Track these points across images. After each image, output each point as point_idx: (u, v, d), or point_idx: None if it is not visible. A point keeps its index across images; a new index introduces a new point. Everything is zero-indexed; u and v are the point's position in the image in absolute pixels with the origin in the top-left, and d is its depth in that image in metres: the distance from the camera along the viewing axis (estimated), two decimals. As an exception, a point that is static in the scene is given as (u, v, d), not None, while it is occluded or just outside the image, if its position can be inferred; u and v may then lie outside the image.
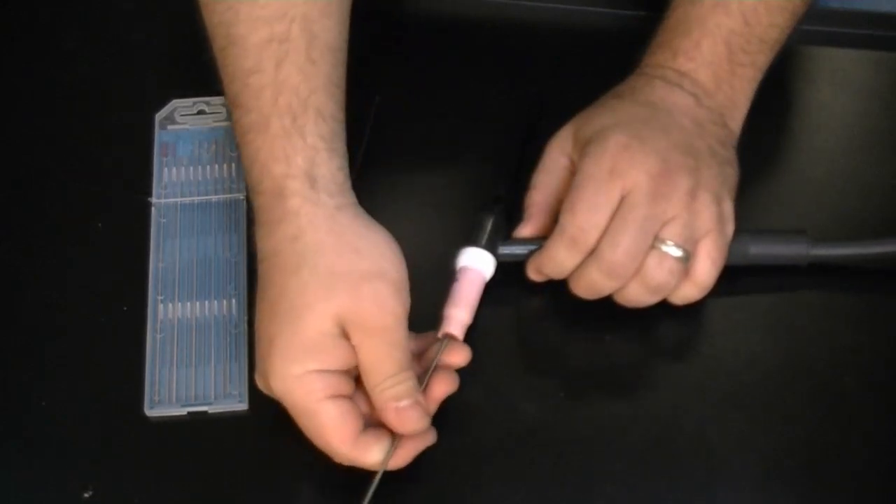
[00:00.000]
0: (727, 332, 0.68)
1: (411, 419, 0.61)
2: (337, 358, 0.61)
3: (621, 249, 0.62)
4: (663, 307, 0.66)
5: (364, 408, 0.62)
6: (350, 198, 0.64)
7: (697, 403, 0.66)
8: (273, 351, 0.61)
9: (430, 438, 0.63)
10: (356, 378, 0.62)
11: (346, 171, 0.64)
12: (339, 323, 0.60)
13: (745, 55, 0.67)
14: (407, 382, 0.61)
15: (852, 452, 0.65)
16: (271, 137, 0.62)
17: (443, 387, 0.63)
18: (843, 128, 0.78)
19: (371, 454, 0.61)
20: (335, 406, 0.60)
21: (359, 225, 0.63)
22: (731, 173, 0.66)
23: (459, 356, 0.64)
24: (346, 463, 0.61)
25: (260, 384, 0.63)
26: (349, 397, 0.61)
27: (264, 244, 0.63)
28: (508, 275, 0.67)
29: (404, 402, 0.61)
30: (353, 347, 0.61)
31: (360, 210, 0.64)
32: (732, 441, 0.65)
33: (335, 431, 0.60)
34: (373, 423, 0.62)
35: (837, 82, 0.79)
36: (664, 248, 0.63)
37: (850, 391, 0.67)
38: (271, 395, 0.62)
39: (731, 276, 0.66)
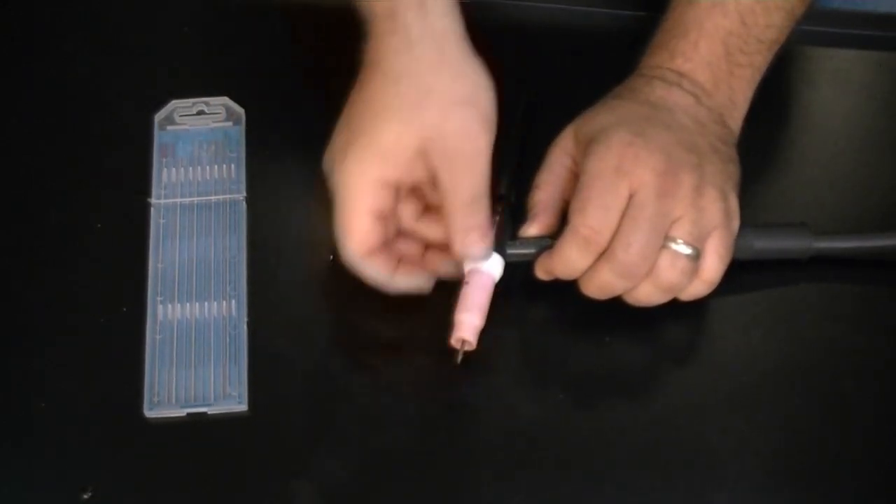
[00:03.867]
0: (727, 332, 0.68)
1: (476, 248, 0.64)
2: (404, 171, 0.63)
3: (634, 249, 0.62)
4: (663, 307, 0.65)
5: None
6: (460, 27, 0.65)
7: (697, 404, 0.66)
8: (350, 147, 0.63)
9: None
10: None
11: (457, 2, 0.65)
12: (421, 141, 0.62)
13: (742, 56, 0.67)
14: (479, 214, 0.63)
15: (852, 452, 0.65)
16: None
17: None
18: (843, 128, 0.78)
19: (370, 270, 0.65)
20: (370, 220, 0.63)
21: (464, 50, 0.64)
22: (734, 170, 0.66)
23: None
24: (350, 266, 0.65)
25: (325, 167, 0.65)
26: (387, 217, 0.64)
27: (371, 54, 0.64)
28: (509, 276, 0.67)
29: (475, 234, 0.64)
30: (426, 169, 0.63)
31: (467, 40, 0.65)
32: (732, 442, 0.65)
33: (356, 235, 0.64)
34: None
35: (837, 82, 0.79)
36: (675, 247, 0.63)
37: (850, 391, 0.67)
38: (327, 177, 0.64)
39: (732, 276, 0.66)
